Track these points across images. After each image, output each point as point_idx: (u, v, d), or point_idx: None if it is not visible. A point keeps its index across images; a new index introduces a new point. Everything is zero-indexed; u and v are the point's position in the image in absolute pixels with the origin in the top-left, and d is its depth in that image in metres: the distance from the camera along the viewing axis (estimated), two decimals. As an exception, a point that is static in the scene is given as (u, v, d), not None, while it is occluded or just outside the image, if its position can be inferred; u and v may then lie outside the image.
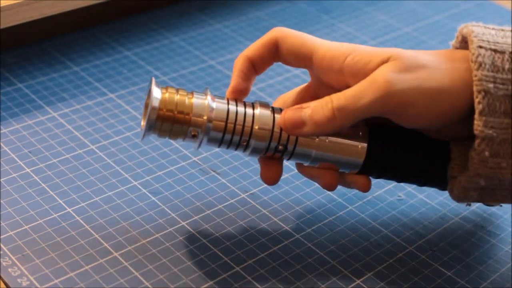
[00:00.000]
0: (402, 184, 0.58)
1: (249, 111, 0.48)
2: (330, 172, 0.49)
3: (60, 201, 0.54)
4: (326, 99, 0.46)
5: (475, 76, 0.44)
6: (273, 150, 0.48)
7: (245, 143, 0.48)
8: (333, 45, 0.48)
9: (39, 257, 0.49)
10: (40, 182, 0.55)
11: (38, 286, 0.47)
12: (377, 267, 0.51)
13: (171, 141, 0.61)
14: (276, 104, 0.52)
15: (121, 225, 0.52)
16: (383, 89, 0.45)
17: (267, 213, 0.54)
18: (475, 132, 0.44)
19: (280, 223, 0.54)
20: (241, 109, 0.47)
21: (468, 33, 0.47)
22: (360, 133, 0.48)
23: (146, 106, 0.48)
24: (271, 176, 0.50)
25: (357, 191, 0.57)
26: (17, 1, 0.63)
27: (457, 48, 0.50)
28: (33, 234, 0.51)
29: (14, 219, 0.52)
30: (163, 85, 0.48)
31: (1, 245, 0.50)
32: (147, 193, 0.55)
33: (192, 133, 0.47)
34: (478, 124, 0.44)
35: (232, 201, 0.55)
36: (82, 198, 0.54)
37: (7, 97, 0.64)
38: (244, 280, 0.49)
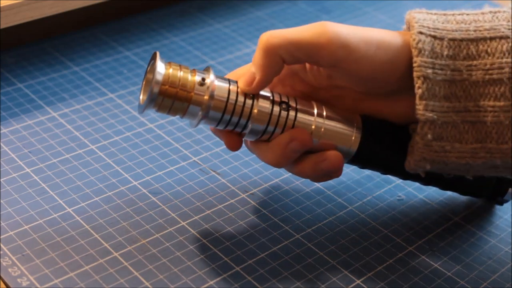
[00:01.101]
0: (402, 184, 0.58)
1: (249, 100, 0.47)
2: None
3: (60, 201, 0.54)
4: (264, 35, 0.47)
5: (415, 62, 0.45)
6: (270, 133, 0.48)
7: (244, 124, 0.47)
8: None
9: (39, 257, 0.49)
10: (40, 182, 0.55)
11: (38, 286, 0.47)
12: (377, 267, 0.51)
13: (171, 140, 0.61)
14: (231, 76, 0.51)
15: (121, 225, 0.52)
16: (326, 29, 0.45)
17: (267, 213, 0.54)
18: (417, 116, 0.45)
19: (280, 223, 0.54)
20: (242, 96, 0.47)
21: (410, 19, 0.48)
22: (355, 124, 0.49)
23: (147, 80, 0.48)
24: (234, 145, 0.50)
25: (357, 191, 0.57)
26: (17, 1, 0.63)
27: None
28: (33, 234, 0.51)
29: (14, 219, 0.52)
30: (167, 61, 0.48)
31: (1, 245, 0.50)
32: (147, 193, 0.55)
33: (199, 83, 0.46)
34: (418, 108, 0.45)
35: (232, 201, 0.55)
36: (82, 198, 0.54)
37: (7, 97, 0.64)
38: (244, 280, 0.49)
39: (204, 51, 0.73)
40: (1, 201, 0.53)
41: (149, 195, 0.55)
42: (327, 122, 0.48)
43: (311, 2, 0.84)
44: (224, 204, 0.55)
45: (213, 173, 0.58)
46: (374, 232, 0.54)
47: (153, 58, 0.47)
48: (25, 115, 0.62)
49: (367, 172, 0.59)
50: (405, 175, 0.51)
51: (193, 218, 0.53)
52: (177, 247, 0.51)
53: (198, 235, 0.52)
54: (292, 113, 0.48)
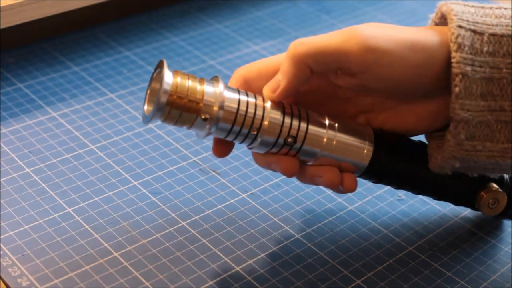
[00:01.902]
0: (402, 184, 0.58)
1: (260, 103, 0.46)
2: (332, 169, 0.48)
3: (60, 201, 0.54)
4: (295, 41, 0.46)
5: (454, 58, 0.44)
6: (280, 146, 0.47)
7: (254, 135, 0.46)
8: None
9: (39, 257, 0.49)
10: (40, 182, 0.55)
11: (38, 286, 0.47)
12: (377, 267, 0.51)
13: (171, 140, 0.61)
14: (235, 79, 0.49)
15: (121, 225, 0.52)
16: (354, 33, 0.44)
17: (267, 213, 0.54)
18: (451, 114, 0.44)
19: (280, 223, 0.54)
20: (252, 100, 0.46)
21: (448, 11, 0.46)
22: (367, 137, 0.48)
23: (152, 90, 0.46)
24: (222, 151, 0.49)
25: (357, 191, 0.57)
26: (17, 1, 0.63)
27: (436, 24, 0.49)
28: (33, 234, 0.51)
29: (14, 219, 0.52)
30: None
31: (1, 245, 0.50)
32: (147, 193, 0.55)
33: (203, 117, 0.45)
34: (454, 107, 0.44)
35: (232, 201, 0.55)
36: (82, 198, 0.54)
37: (7, 97, 0.64)
38: (244, 280, 0.49)
39: (204, 51, 0.73)
40: (1, 201, 0.53)
41: (149, 195, 0.55)
42: (339, 135, 0.47)
43: (311, 2, 0.84)
44: (224, 204, 0.55)
45: (213, 173, 0.58)
46: (374, 232, 0.54)
47: (160, 66, 0.45)
48: (25, 115, 0.62)
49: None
50: (418, 190, 0.51)
51: (193, 218, 0.53)
52: (177, 247, 0.51)
53: (198, 235, 0.52)
54: (303, 125, 0.47)
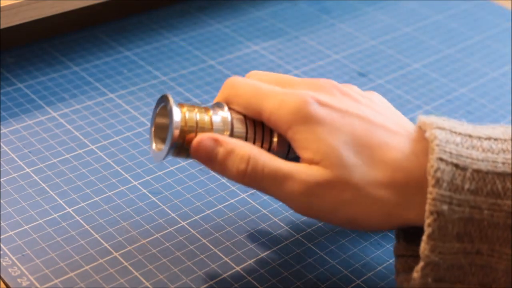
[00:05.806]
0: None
1: (267, 129, 0.47)
2: None
3: (60, 201, 0.54)
4: (247, 154, 0.44)
5: (430, 193, 0.39)
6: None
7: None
8: None
9: (39, 257, 0.49)
10: (40, 182, 0.55)
11: (38, 286, 0.47)
12: (377, 267, 0.51)
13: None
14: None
15: (121, 225, 0.52)
16: (302, 203, 0.44)
17: (267, 213, 0.54)
18: (421, 254, 0.40)
19: (280, 223, 0.54)
20: (259, 125, 0.47)
21: (431, 138, 0.41)
22: None
23: (158, 126, 0.47)
24: None
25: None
26: (17, 1, 0.63)
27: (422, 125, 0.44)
28: (33, 234, 0.51)
29: (14, 219, 0.52)
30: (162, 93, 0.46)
31: (1, 245, 0.50)
32: (147, 193, 0.55)
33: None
34: (425, 247, 0.40)
35: (232, 201, 0.55)
36: (82, 198, 0.54)
37: (7, 97, 0.64)
38: (244, 280, 0.49)
39: (204, 51, 0.73)
40: (1, 201, 0.53)
41: (149, 195, 0.55)
42: None
43: (311, 2, 0.84)
44: (224, 204, 0.55)
45: (213, 173, 0.58)
46: (374, 232, 0.54)
47: (163, 100, 0.46)
48: (25, 115, 0.62)
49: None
50: None
51: (193, 218, 0.53)
52: (177, 247, 0.51)
53: (198, 235, 0.52)
54: None
